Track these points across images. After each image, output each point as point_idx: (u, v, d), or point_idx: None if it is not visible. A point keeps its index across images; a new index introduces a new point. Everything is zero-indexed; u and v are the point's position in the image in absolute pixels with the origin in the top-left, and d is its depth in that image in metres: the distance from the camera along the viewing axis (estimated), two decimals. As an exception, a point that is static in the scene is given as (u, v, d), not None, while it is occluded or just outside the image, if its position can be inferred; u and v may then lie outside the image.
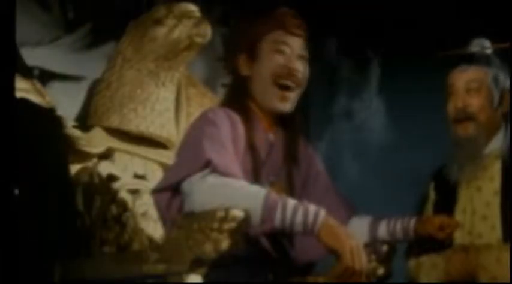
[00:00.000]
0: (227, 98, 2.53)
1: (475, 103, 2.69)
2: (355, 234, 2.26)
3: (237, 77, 2.51)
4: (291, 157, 2.52)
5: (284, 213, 2.14)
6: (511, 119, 2.72)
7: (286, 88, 2.46)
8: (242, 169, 2.31)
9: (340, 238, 2.12)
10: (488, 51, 2.75)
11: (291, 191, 2.46)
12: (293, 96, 2.47)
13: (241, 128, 2.40)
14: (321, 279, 2.40)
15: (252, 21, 2.52)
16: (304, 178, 2.57)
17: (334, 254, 2.14)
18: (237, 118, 2.41)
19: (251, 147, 2.41)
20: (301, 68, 2.48)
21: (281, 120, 2.52)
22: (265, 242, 2.35)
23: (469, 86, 2.71)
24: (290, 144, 2.52)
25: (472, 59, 2.74)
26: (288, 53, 2.47)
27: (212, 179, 2.18)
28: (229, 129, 2.34)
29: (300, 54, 2.49)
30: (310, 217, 2.14)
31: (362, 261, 2.12)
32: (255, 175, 2.38)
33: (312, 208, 2.15)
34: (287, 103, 2.47)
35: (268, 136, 2.49)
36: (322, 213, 2.15)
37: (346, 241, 2.12)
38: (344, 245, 2.11)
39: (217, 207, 2.10)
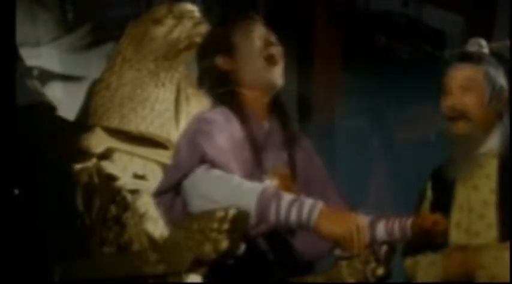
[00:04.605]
0: (216, 98, 2.55)
1: (469, 101, 2.69)
2: None
3: (220, 76, 2.53)
4: (288, 140, 2.55)
5: (278, 213, 2.15)
6: (511, 118, 2.72)
7: (271, 59, 2.51)
8: (242, 161, 2.32)
9: (337, 229, 2.14)
10: (485, 50, 2.76)
11: (294, 177, 2.48)
12: (280, 70, 2.53)
13: (236, 123, 2.42)
14: (320, 279, 2.40)
15: (220, 25, 2.63)
16: (305, 167, 2.57)
17: (336, 243, 2.16)
18: (230, 114, 2.43)
19: (249, 138, 2.43)
20: (275, 41, 2.55)
21: (273, 107, 2.56)
22: (262, 242, 2.35)
23: (463, 84, 2.71)
24: (285, 128, 2.56)
25: (467, 58, 2.74)
26: (259, 33, 2.55)
27: (209, 176, 2.20)
28: (223, 125, 2.37)
29: (269, 33, 2.57)
30: (305, 214, 2.14)
31: (362, 243, 2.15)
32: (256, 164, 2.40)
33: (308, 203, 2.16)
34: (278, 78, 2.52)
35: (263, 124, 2.51)
36: (319, 206, 2.15)
37: (345, 229, 2.13)
38: (343, 234, 2.13)
39: (215, 205, 2.11)
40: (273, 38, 2.57)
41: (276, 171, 2.43)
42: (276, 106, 2.57)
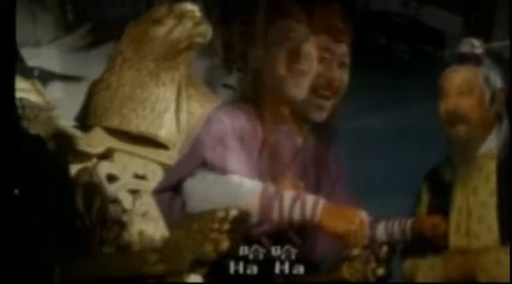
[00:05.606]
0: (256, 94, 2.41)
1: (466, 104, 2.67)
2: None
3: (272, 75, 2.40)
4: (320, 164, 2.46)
5: (281, 210, 2.14)
6: (510, 119, 2.72)
7: (323, 97, 2.40)
8: (258, 169, 2.28)
9: (341, 224, 2.14)
10: (479, 50, 2.74)
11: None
12: (329, 105, 2.42)
13: (256, 127, 2.35)
14: (320, 279, 2.40)
15: (299, 19, 2.42)
16: (331, 185, 2.51)
17: (338, 240, 2.16)
18: (251, 117, 2.35)
19: (270, 148, 2.36)
20: (340, 77, 2.42)
21: (315, 129, 2.46)
22: (265, 241, 2.34)
23: (460, 88, 2.69)
24: (320, 151, 2.47)
25: (464, 60, 2.72)
26: (330, 60, 2.40)
27: (209, 178, 2.19)
28: (235, 127, 2.29)
29: (342, 62, 2.43)
30: (308, 210, 2.14)
31: (363, 239, 2.16)
32: (276, 178, 2.32)
33: (310, 199, 2.15)
34: (322, 113, 2.41)
35: (295, 140, 2.44)
36: (321, 202, 2.15)
37: (348, 225, 2.13)
38: (346, 229, 2.13)
39: (216, 206, 2.11)
40: (338, 74, 2.38)
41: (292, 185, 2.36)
42: (319, 129, 2.45)
